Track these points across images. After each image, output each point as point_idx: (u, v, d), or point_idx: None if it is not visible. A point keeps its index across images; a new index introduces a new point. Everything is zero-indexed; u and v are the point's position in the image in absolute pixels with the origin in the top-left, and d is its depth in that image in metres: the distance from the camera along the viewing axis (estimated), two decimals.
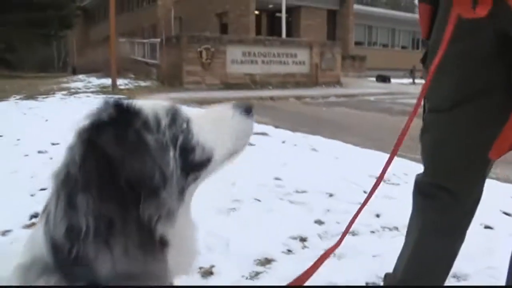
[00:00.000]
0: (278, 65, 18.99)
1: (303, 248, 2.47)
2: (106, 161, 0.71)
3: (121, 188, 0.71)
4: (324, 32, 27.63)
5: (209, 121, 0.93)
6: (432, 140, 1.55)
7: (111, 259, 0.72)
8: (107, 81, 17.12)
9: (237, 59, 18.40)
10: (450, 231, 1.56)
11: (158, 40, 20.39)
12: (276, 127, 7.28)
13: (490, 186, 3.55)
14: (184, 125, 0.86)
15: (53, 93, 14.30)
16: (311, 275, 1.19)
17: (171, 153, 0.80)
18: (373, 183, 3.92)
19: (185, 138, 0.85)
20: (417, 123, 1.60)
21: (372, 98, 14.98)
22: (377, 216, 2.97)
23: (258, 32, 25.37)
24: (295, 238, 2.55)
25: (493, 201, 3.10)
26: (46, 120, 7.52)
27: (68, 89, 16.03)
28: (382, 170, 1.35)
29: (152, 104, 0.85)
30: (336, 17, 28.69)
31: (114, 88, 15.42)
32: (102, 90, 15.35)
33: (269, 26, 27.80)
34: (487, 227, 2.80)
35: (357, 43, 30.78)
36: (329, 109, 11.40)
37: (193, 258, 0.87)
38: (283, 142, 5.92)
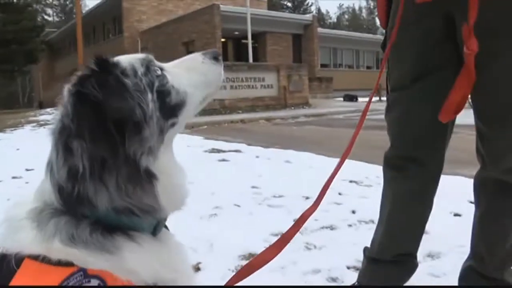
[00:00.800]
0: (247, 89, 19.14)
1: None
2: (93, 106, 0.79)
3: (108, 129, 0.80)
4: (290, 56, 28.13)
5: (181, 67, 1.02)
6: (396, 116, 1.69)
7: (107, 194, 0.81)
8: None
9: None
10: (420, 197, 1.70)
11: None
12: (249, 144, 7.41)
13: (459, 182, 3.76)
14: (158, 72, 0.95)
15: (22, 126, 14.10)
16: (293, 236, 1.30)
17: (149, 96, 0.89)
18: (347, 187, 4.06)
19: (160, 83, 0.93)
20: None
21: (341, 116, 15.31)
22: (353, 212, 3.10)
23: (225, 58, 25.63)
24: (276, 235, 2.63)
25: (461, 194, 3.28)
26: (18, 149, 7.43)
27: (37, 121, 15.78)
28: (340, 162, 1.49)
29: (128, 57, 0.95)
30: (301, 41, 29.27)
31: None
32: None
33: (236, 52, 28.16)
34: (456, 214, 2.96)
35: (323, 65, 31.37)
36: (300, 128, 11.59)
37: (184, 194, 0.96)
38: (257, 157, 6.02)
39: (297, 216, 3.06)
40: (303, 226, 2.83)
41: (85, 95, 0.80)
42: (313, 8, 77.54)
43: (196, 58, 1.06)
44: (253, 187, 3.98)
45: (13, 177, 4.89)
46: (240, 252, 2.42)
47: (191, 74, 1.02)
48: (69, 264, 0.78)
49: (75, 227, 0.80)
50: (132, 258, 0.82)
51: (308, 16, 31.85)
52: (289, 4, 76.54)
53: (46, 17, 70.23)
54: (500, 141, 1.50)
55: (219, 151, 6.64)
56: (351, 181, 4.10)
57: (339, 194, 3.60)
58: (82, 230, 0.80)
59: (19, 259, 0.78)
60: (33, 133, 11.28)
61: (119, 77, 0.86)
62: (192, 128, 10.90)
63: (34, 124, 14.45)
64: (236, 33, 25.96)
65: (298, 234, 2.70)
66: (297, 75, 20.66)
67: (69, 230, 0.80)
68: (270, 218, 3.06)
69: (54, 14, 76.81)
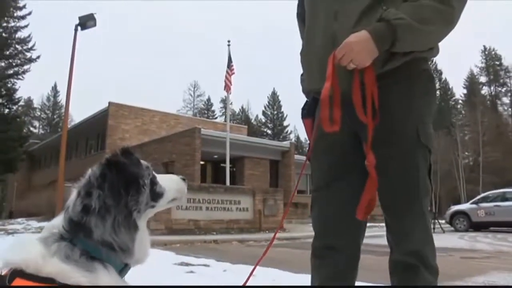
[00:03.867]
0: (222, 211, 19.19)
1: None
2: (117, 169, 1.27)
3: (119, 188, 1.25)
4: (267, 181, 28.75)
5: (164, 177, 1.52)
6: (317, 212, 2.05)
7: (103, 228, 1.19)
8: None
9: (182, 205, 18.56)
10: (341, 281, 1.95)
11: None
12: (218, 260, 7.47)
13: None
14: (153, 172, 1.42)
15: None
16: None
17: (147, 179, 1.38)
18: None
19: (153, 176, 1.44)
20: None
21: None
22: None
23: (203, 180, 26.04)
24: None
25: None
26: None
27: (5, 230, 15.52)
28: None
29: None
30: (278, 167, 30.12)
31: None
32: None
33: (214, 174, 28.72)
34: None
35: (300, 191, 31.66)
36: (271, 250, 11.57)
37: (146, 253, 1.34)
38: (224, 270, 6.11)
39: None
40: None
41: (115, 162, 1.29)
42: (292, 136, 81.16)
43: (173, 176, 1.61)
44: None
45: None
46: None
47: (169, 182, 1.53)
48: (51, 281, 1.06)
49: (70, 250, 1.14)
50: (104, 279, 1.14)
51: (286, 143, 32.93)
52: (269, 132, 79.95)
53: (32, 128, 71.60)
54: (398, 230, 1.85)
55: (188, 264, 6.71)
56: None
57: None
58: (75, 253, 1.15)
59: (13, 276, 1.04)
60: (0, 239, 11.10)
61: (138, 158, 1.38)
62: (165, 245, 10.98)
63: (2, 233, 14.20)
64: (215, 156, 26.71)
65: None
66: (272, 199, 20.98)
67: (66, 251, 1.14)
68: None
69: (40, 126, 78.48)
